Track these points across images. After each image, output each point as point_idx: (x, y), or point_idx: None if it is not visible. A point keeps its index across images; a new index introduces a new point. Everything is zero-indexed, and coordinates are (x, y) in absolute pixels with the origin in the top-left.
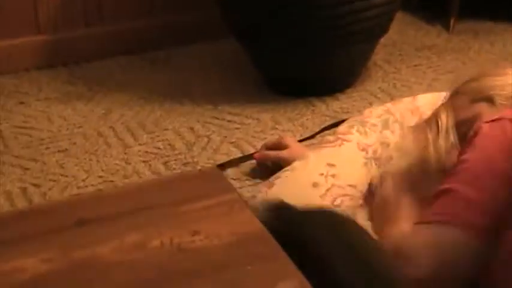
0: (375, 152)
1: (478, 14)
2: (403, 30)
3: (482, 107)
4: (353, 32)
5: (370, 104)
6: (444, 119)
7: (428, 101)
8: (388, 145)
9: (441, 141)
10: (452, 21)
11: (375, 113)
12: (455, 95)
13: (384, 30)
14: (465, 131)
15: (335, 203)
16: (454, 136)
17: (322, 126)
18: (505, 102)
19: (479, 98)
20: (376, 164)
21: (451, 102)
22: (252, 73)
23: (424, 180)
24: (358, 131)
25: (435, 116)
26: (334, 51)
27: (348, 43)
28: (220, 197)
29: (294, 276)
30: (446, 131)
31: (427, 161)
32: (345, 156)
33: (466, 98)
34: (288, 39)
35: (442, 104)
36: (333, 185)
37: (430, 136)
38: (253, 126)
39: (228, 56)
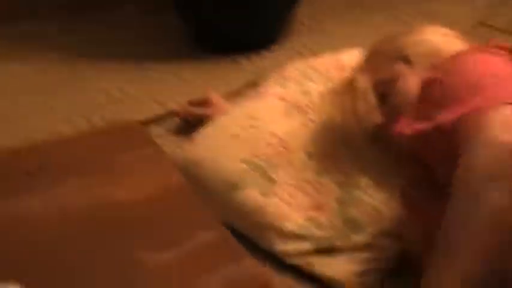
0: (296, 101)
1: None
2: None
3: (400, 67)
4: None
5: (295, 60)
6: (361, 81)
7: (352, 58)
8: (310, 94)
9: (359, 104)
10: None
11: (297, 67)
12: (372, 54)
13: None
14: (384, 92)
15: (255, 153)
16: (372, 97)
17: (246, 83)
18: (420, 61)
19: (396, 57)
20: (298, 112)
21: (369, 62)
22: (178, 32)
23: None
24: (279, 84)
25: (352, 77)
26: (258, 6)
27: None
28: (142, 150)
29: (215, 227)
30: (364, 93)
31: (347, 124)
32: (265, 108)
33: (383, 57)
34: None
35: (359, 65)
36: (253, 135)
37: (348, 99)
38: (178, 84)
39: (153, 15)
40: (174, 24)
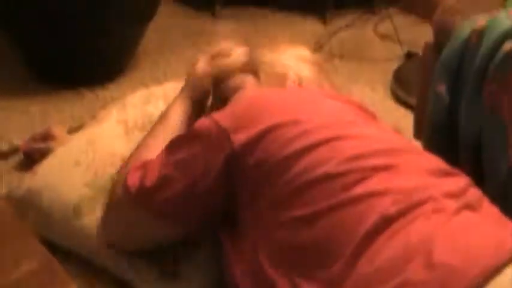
0: (136, 122)
1: (242, 1)
2: (171, 18)
3: (248, 78)
4: (118, 16)
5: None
6: None
7: None
8: (151, 115)
9: None
10: (217, 7)
11: (137, 95)
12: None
13: (150, 15)
14: (226, 96)
15: (98, 175)
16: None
17: (91, 116)
18: (268, 79)
19: (248, 69)
20: (139, 131)
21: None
22: (18, 66)
23: None
24: (118, 109)
25: None
26: (98, 37)
27: (112, 29)
28: None
29: (40, 255)
30: None
31: None
32: (105, 132)
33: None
34: (48, 27)
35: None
36: (93, 159)
37: None
38: (22, 119)
39: None
40: (15, 60)
